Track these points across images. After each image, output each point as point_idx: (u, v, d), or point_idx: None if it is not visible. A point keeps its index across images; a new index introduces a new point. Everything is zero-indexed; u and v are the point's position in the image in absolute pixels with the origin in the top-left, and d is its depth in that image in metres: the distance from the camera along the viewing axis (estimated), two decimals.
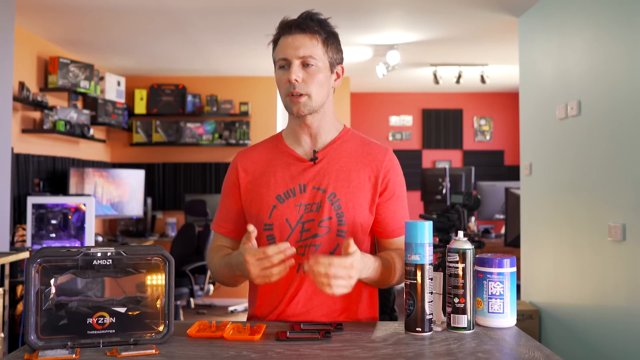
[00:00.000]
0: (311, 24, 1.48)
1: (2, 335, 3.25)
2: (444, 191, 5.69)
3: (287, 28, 1.48)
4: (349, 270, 1.29)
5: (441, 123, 7.71)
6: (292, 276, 1.46)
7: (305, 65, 1.47)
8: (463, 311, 1.31)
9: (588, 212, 3.18)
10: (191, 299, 4.91)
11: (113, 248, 1.23)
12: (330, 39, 1.52)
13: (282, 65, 1.49)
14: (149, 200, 6.05)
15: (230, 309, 5.86)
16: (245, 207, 1.56)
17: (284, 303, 1.48)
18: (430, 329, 1.31)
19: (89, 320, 1.21)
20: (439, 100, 7.71)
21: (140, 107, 6.19)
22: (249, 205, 1.55)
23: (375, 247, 1.62)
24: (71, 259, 1.21)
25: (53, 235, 4.04)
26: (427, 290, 1.30)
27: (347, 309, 1.50)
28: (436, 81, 5.90)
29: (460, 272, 1.32)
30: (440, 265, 3.42)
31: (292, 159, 1.54)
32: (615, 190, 2.92)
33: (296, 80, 1.45)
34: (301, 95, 1.46)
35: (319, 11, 1.53)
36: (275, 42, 1.53)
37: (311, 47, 1.47)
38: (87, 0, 3.86)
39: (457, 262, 1.32)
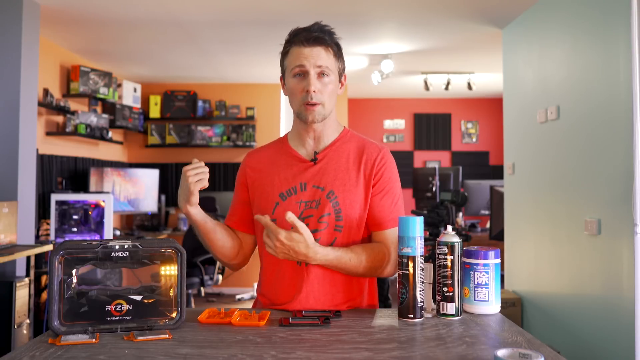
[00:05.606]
0: (326, 37, 1.46)
1: (28, 321, 3.25)
2: (433, 189, 5.69)
3: (304, 40, 1.44)
4: (296, 244, 1.33)
5: (431, 126, 7.70)
6: (296, 269, 1.46)
7: (320, 75, 1.45)
8: (451, 299, 1.31)
9: (566, 208, 3.17)
10: (202, 288, 4.91)
11: (130, 241, 1.23)
12: (340, 51, 1.51)
13: (298, 73, 1.45)
14: (163, 197, 6.05)
15: (238, 297, 5.86)
16: (252, 203, 1.56)
17: (289, 294, 1.46)
18: (421, 316, 1.30)
19: (108, 308, 1.21)
20: (429, 105, 7.70)
21: (154, 112, 6.19)
22: (255, 201, 1.54)
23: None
24: (91, 251, 1.21)
25: (75, 229, 4.03)
26: (418, 280, 1.30)
27: (349, 299, 1.48)
28: (427, 88, 5.90)
29: (449, 263, 1.32)
30: (430, 257, 3.41)
31: (295, 159, 1.53)
32: (591, 188, 2.92)
33: (314, 91, 1.44)
34: (316, 104, 1.45)
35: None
36: (287, 49, 1.49)
37: (327, 59, 1.45)
38: (106, 13, 3.86)
39: (446, 254, 1.32)
